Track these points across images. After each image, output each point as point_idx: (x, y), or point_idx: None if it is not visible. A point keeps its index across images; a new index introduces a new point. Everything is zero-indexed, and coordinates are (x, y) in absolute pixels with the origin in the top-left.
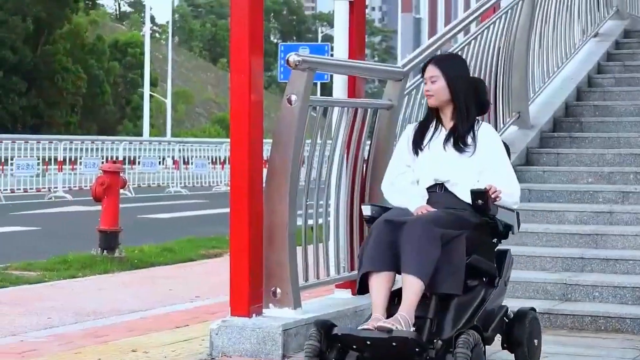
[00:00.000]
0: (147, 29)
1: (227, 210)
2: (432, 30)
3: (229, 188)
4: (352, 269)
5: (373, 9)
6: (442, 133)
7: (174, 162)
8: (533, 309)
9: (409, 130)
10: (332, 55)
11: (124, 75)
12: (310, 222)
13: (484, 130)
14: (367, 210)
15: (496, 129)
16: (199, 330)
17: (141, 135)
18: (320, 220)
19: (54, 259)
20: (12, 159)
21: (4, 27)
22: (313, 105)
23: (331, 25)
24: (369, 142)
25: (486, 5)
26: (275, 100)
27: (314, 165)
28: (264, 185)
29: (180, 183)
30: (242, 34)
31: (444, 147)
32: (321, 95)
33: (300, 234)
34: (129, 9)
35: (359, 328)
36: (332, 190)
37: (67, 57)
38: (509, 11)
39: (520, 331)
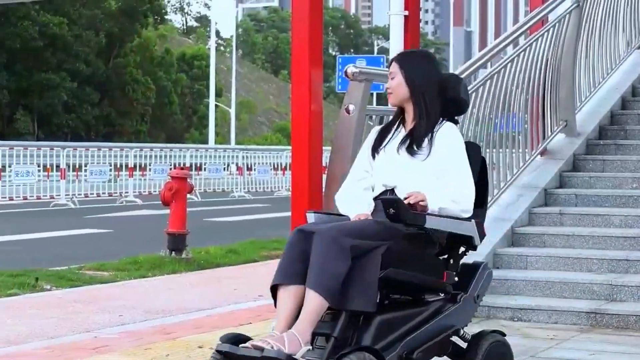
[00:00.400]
0: (212, 43)
1: (288, 213)
2: (483, 43)
3: (290, 193)
4: None
5: (426, 22)
6: (401, 134)
7: (238, 168)
8: (498, 332)
9: (373, 134)
10: (388, 66)
11: (190, 87)
12: None
13: (444, 130)
14: (310, 218)
15: (544, 137)
16: (262, 327)
17: (207, 143)
18: None
19: (125, 260)
20: (86, 166)
21: (79, 41)
22: (370, 114)
23: (387, 38)
24: None
25: (534, 18)
26: (334, 110)
27: None
28: (323, 190)
29: (244, 188)
30: (302, 47)
31: (398, 150)
32: (377, 104)
33: None
34: (195, 24)
35: (241, 346)
36: None
37: (137, 69)
38: (557, 24)
39: (473, 355)
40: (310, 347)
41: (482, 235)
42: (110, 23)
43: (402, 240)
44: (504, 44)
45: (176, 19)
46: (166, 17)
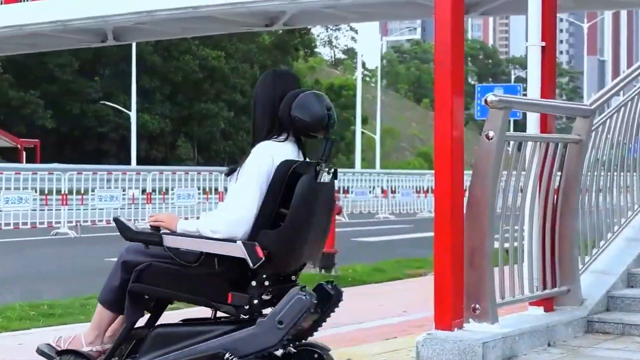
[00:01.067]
0: (358, 74)
1: (431, 234)
2: (615, 72)
3: (432, 214)
4: (544, 287)
5: (561, 52)
6: None
7: (383, 191)
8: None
9: None
10: (524, 94)
11: (338, 114)
12: (506, 245)
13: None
14: None
15: None
16: (406, 342)
17: (353, 167)
18: (515, 244)
19: None
20: None
21: (235, 73)
22: (508, 140)
23: (523, 67)
24: (559, 174)
25: None
26: (473, 136)
27: (510, 194)
28: (464, 211)
29: (388, 210)
30: (444, 76)
31: None
32: (514, 130)
33: (497, 255)
34: (342, 56)
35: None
36: (525, 217)
37: None
38: None
39: None
40: (94, 348)
41: (255, 257)
42: (264, 56)
43: (169, 259)
44: (637, 72)
45: (325, 52)
46: (316, 50)
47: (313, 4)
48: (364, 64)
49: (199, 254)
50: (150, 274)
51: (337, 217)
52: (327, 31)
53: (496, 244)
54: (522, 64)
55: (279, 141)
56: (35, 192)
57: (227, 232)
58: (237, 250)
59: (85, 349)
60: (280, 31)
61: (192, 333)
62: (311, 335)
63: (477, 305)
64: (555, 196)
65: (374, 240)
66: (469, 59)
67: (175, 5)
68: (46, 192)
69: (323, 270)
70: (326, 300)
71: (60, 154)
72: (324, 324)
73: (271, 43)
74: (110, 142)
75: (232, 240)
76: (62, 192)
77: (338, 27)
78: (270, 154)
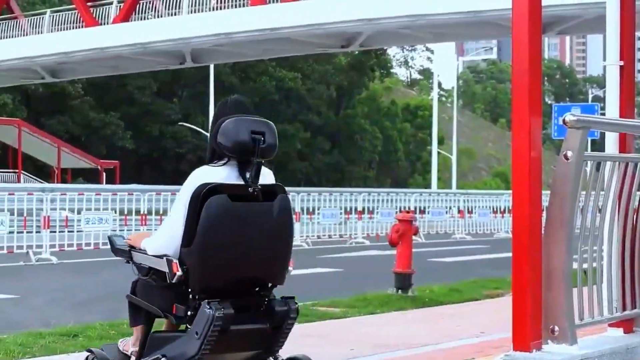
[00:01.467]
0: (434, 94)
1: (508, 254)
2: None
3: (509, 235)
4: (624, 309)
5: (639, 71)
6: None
7: (459, 211)
8: None
9: None
10: (601, 114)
11: (414, 135)
12: (584, 265)
13: None
14: None
15: None
16: None
17: (430, 187)
18: (594, 264)
19: (355, 297)
20: (318, 209)
21: (311, 94)
22: (586, 160)
23: (600, 86)
24: (638, 193)
25: None
26: (550, 155)
27: (588, 214)
28: (542, 232)
29: (465, 230)
30: (522, 96)
31: None
32: (591, 150)
33: (575, 276)
34: (418, 77)
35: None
36: (604, 237)
37: (365, 119)
38: None
39: None
40: (136, 349)
41: (171, 272)
42: (340, 77)
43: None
44: None
45: (401, 72)
46: (391, 70)
47: (389, 25)
48: (440, 84)
49: (147, 268)
50: (139, 286)
51: (414, 237)
52: (403, 52)
53: (575, 265)
54: (600, 83)
55: (217, 165)
56: (115, 212)
57: (154, 249)
58: (161, 264)
59: (132, 349)
60: (357, 52)
61: (167, 339)
62: (276, 349)
63: (556, 327)
64: (635, 216)
65: (451, 261)
66: (546, 78)
67: (253, 27)
68: (125, 212)
69: (400, 290)
70: (275, 316)
71: (139, 175)
72: (400, 344)
73: (347, 64)
74: (188, 163)
75: (161, 257)
76: (141, 213)
77: (414, 48)
78: (197, 177)
